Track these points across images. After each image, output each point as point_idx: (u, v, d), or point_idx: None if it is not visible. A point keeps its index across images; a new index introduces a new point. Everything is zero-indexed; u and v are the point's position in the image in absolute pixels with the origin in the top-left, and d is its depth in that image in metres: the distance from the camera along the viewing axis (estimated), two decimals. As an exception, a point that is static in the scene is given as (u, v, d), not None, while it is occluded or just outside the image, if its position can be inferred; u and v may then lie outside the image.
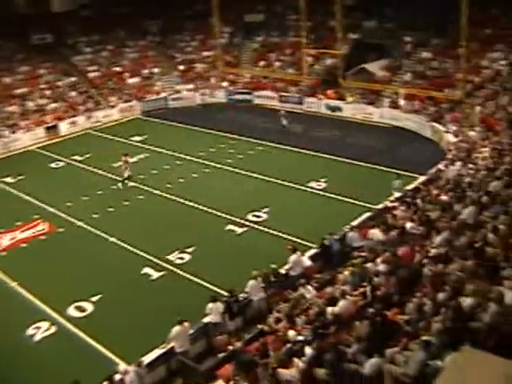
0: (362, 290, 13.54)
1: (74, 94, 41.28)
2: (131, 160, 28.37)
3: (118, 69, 44.94)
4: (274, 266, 16.86)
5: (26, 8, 45.86)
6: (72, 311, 17.42)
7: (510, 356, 6.52)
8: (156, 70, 45.50)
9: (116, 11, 47.85)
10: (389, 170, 26.08)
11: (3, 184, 28.77)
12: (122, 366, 13.40)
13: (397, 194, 21.36)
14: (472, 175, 19.81)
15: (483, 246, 12.36)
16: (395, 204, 19.81)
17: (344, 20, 37.00)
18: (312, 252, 18.02)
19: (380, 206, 21.03)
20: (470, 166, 21.51)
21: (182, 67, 45.87)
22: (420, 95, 34.16)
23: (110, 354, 15.21)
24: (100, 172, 29.56)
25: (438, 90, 33.44)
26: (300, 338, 12.35)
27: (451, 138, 28.31)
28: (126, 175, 27.34)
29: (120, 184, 27.26)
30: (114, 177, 28.37)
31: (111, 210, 24.53)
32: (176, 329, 14.00)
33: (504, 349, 8.10)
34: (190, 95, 42.89)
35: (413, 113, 33.49)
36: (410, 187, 22.02)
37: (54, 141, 36.25)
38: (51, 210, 25.11)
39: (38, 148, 35.04)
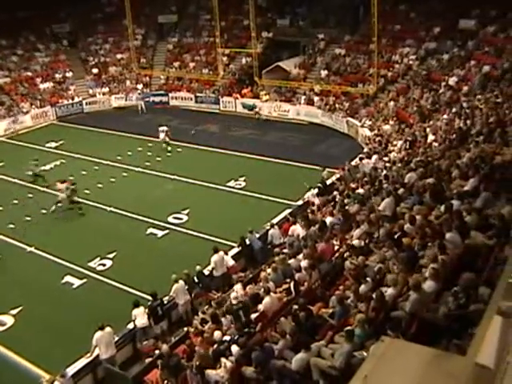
0: (285, 286, 13.61)
1: (-17, 101, 39.52)
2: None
3: (29, 74, 43.31)
4: (198, 267, 16.70)
5: None
6: None
7: (429, 343, 6.69)
8: (69, 74, 44.20)
9: (22, 14, 46.06)
10: (307, 166, 26.50)
11: None
12: (46, 378, 12.96)
13: (321, 185, 21.78)
14: (388, 168, 20.37)
15: (401, 237, 12.68)
16: (315, 199, 20.11)
17: (257, 19, 37.29)
18: (234, 251, 18.02)
19: (300, 203, 21.28)
20: (386, 158, 22.15)
21: (95, 70, 44.77)
22: (335, 91, 34.85)
23: (34, 368, 14.68)
24: (15, 181, 28.37)
25: (352, 86, 34.23)
26: (226, 337, 12.29)
27: (367, 132, 29.05)
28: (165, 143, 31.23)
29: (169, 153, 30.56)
30: (29, 185, 27.40)
31: (28, 219, 23.55)
32: (97, 334, 13.67)
33: (425, 335, 8.35)
34: (105, 99, 42.06)
35: (328, 109, 34.09)
36: (328, 182, 22.41)
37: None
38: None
39: None
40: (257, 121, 35.83)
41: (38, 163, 28.41)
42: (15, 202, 25.21)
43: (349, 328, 9.90)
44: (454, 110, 24.73)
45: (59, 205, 24.02)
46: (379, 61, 33.40)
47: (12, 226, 22.94)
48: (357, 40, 37.91)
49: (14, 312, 17.27)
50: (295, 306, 11.87)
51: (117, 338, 14.31)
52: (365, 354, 8.95)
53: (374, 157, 22.54)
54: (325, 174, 23.08)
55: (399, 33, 36.58)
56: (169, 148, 31.28)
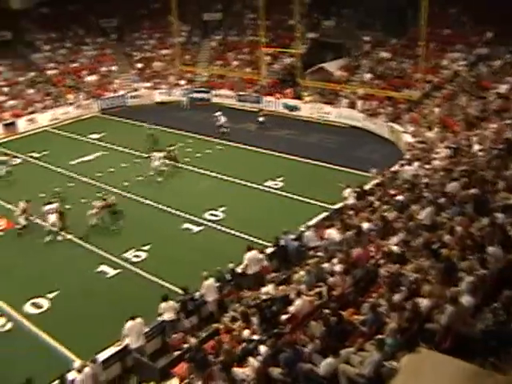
0: (317, 289, 13.46)
1: (32, 91, 40.56)
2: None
3: (76, 66, 44.28)
4: (231, 264, 16.69)
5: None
6: (28, 307, 17.29)
7: (465, 357, 6.47)
8: (114, 68, 44.98)
9: (72, 8, 47.29)
10: (346, 169, 26.29)
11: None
12: (77, 362, 13.17)
13: (374, 182, 21.63)
14: (429, 176, 19.95)
15: (440, 247, 12.40)
16: (352, 203, 19.87)
17: (302, 19, 37.04)
18: (268, 251, 17.89)
19: (337, 206, 21.05)
20: (428, 166, 21.68)
21: (139, 65, 45.39)
22: (378, 95, 34.39)
23: (66, 351, 15.09)
24: (57, 169, 29.08)
25: (396, 90, 33.67)
26: (255, 337, 12.22)
27: (409, 138, 28.55)
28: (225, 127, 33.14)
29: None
30: (71, 174, 28.01)
31: (68, 207, 23.94)
32: (128, 324, 13.93)
33: (460, 350, 8.10)
34: (147, 93, 42.48)
35: (370, 113, 33.67)
36: (367, 187, 22.06)
37: (11, 138, 35.56)
38: (9, 206, 24.65)
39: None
40: (257, 123, 35.08)
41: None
42: (56, 189, 25.55)
43: (380, 337, 9.71)
44: (503, 119, 24.03)
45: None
46: (426, 66, 32.75)
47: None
48: (403, 43, 37.23)
49: (50, 296, 17.80)
50: (326, 311, 11.73)
51: (147, 330, 14.52)
52: (395, 364, 8.75)
53: (416, 164, 22.08)
54: (374, 171, 22.80)
55: (448, 37, 35.61)
56: (227, 130, 32.82)
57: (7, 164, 29.07)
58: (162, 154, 27.45)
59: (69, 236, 21.74)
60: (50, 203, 22.30)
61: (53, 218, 21.77)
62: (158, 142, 30.97)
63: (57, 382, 12.28)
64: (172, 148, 28.57)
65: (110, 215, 22.54)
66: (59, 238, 21.69)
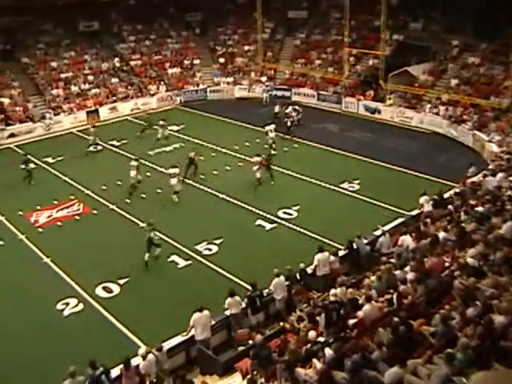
0: (388, 296, 13.21)
1: (115, 80, 41.95)
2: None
3: (159, 58, 45.42)
4: (302, 264, 16.60)
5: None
6: (99, 291, 17.84)
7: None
8: (196, 62, 45.77)
9: (159, 1, 48.45)
10: (425, 176, 25.68)
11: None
12: (143, 348, 13.43)
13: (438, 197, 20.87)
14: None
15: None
16: (429, 211, 19.37)
17: (389, 20, 36.37)
18: (340, 253, 17.68)
19: (413, 213, 20.58)
20: (513, 178, 20.82)
21: (222, 60, 45.98)
22: (463, 102, 33.32)
23: (132, 336, 15.48)
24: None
25: (483, 98, 32.52)
26: (321, 339, 12.11)
27: (494, 148, 27.53)
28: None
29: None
30: (149, 164, 28.65)
31: (143, 196, 24.67)
32: (195, 315, 14.07)
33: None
34: (228, 88, 42.94)
35: (454, 119, 32.67)
36: (445, 196, 21.43)
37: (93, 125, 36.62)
38: (87, 191, 25.68)
39: (78, 131, 35.45)
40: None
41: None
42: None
43: (450, 351, 9.40)
44: None
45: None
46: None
47: (128, 200, 24.13)
48: (494, 49, 35.76)
49: (121, 282, 18.29)
50: (396, 319, 11.46)
51: (213, 322, 14.61)
52: (464, 380, 8.46)
53: (500, 175, 21.19)
54: (472, 170, 22.35)
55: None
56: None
57: (165, 127, 32.06)
58: (273, 127, 29.89)
59: (142, 224, 22.17)
60: (174, 167, 24.39)
61: (173, 181, 23.95)
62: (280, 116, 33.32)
63: (121, 365, 12.56)
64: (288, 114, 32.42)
65: (266, 170, 25.42)
66: (176, 199, 24.02)
